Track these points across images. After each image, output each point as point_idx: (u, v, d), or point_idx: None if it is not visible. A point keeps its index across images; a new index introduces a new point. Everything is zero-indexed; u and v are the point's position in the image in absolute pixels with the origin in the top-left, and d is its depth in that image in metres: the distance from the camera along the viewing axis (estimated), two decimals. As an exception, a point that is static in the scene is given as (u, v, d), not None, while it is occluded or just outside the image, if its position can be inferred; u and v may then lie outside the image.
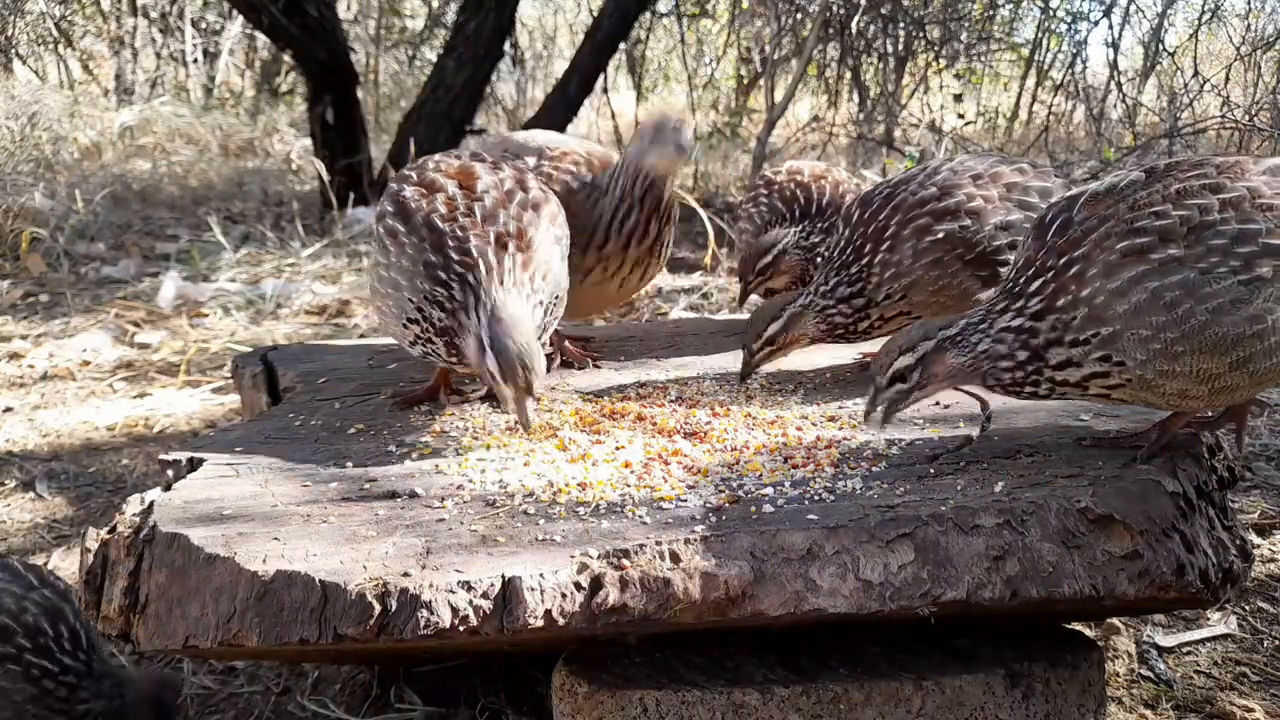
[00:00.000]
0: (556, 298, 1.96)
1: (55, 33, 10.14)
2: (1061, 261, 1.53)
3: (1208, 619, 2.36)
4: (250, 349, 2.88)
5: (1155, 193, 1.51)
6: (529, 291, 1.84)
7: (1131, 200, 1.52)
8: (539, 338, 1.84)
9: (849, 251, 2.11)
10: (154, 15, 10.44)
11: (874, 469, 1.65)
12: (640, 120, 2.26)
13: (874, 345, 2.37)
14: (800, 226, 2.56)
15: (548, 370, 2.10)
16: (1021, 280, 1.59)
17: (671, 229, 2.33)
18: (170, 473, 1.76)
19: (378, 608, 1.31)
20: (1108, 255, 1.49)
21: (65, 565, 2.73)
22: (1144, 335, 1.46)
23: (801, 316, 2.10)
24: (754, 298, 2.62)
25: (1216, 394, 1.51)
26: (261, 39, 9.93)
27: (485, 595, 1.32)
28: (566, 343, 2.39)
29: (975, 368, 1.60)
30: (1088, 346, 1.51)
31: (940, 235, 2.05)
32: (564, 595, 1.34)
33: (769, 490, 1.57)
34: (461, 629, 1.31)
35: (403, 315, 1.87)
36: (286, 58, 9.52)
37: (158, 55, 10.40)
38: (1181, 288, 1.45)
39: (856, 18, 7.56)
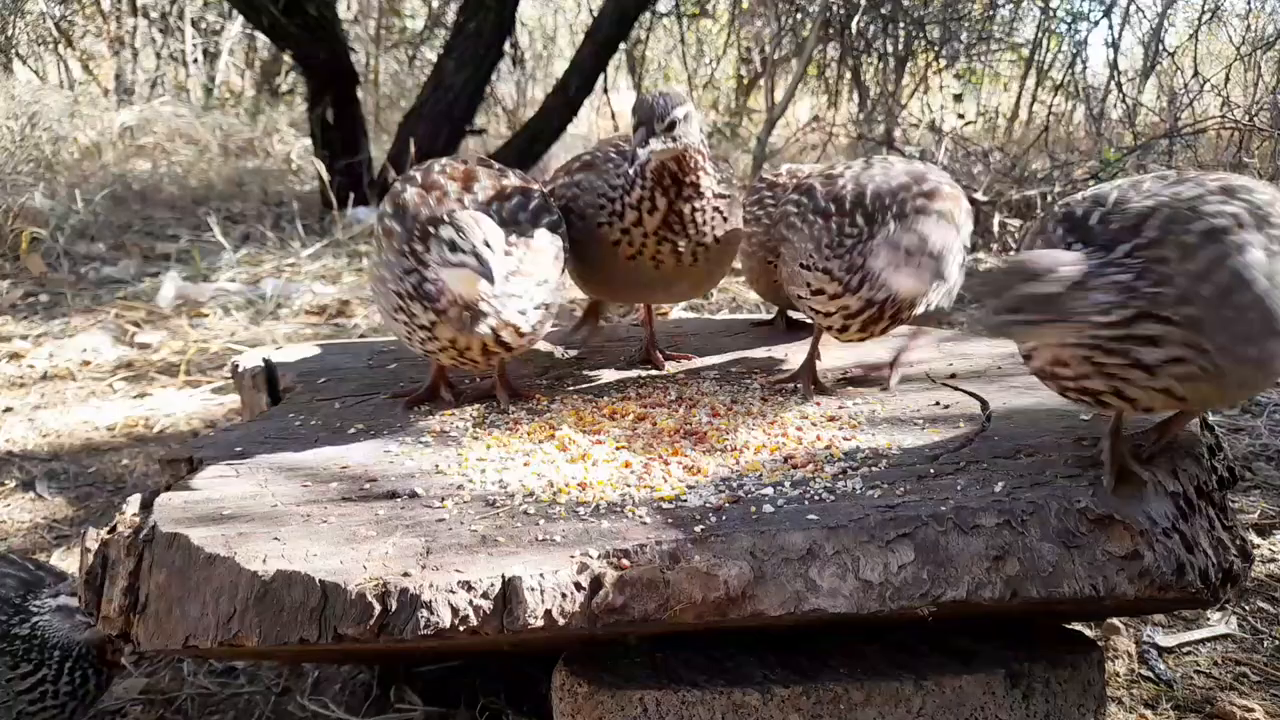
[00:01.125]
0: (548, 305, 1.95)
1: (55, 33, 10.14)
2: (1136, 243, 1.42)
3: (1208, 619, 2.36)
4: (250, 349, 2.88)
5: (1193, 184, 1.48)
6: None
7: (1170, 193, 1.48)
8: (531, 336, 1.91)
9: (874, 216, 1.95)
10: (154, 15, 10.44)
11: (874, 469, 1.65)
12: (633, 107, 2.09)
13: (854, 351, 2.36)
14: None
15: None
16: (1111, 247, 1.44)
17: (704, 205, 2.13)
18: (170, 473, 1.76)
19: (378, 608, 1.31)
20: (1184, 236, 1.41)
21: (65, 565, 2.73)
22: (1228, 316, 1.38)
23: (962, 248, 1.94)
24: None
25: (1267, 382, 1.48)
26: (261, 39, 9.93)
27: (485, 595, 1.32)
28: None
29: (1083, 320, 1.41)
30: (1173, 326, 1.39)
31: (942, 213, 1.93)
32: (564, 595, 1.34)
33: (769, 490, 1.57)
34: (461, 629, 1.32)
35: (390, 307, 1.89)
36: (286, 58, 9.53)
37: (158, 55, 10.40)
38: (1257, 267, 1.38)
39: (856, 18, 7.57)
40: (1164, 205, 1.46)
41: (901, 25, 8.15)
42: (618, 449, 1.77)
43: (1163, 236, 1.42)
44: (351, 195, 6.56)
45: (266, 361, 2.43)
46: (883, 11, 7.84)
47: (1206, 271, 1.39)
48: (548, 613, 1.33)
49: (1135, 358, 1.42)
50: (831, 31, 7.76)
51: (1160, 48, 7.48)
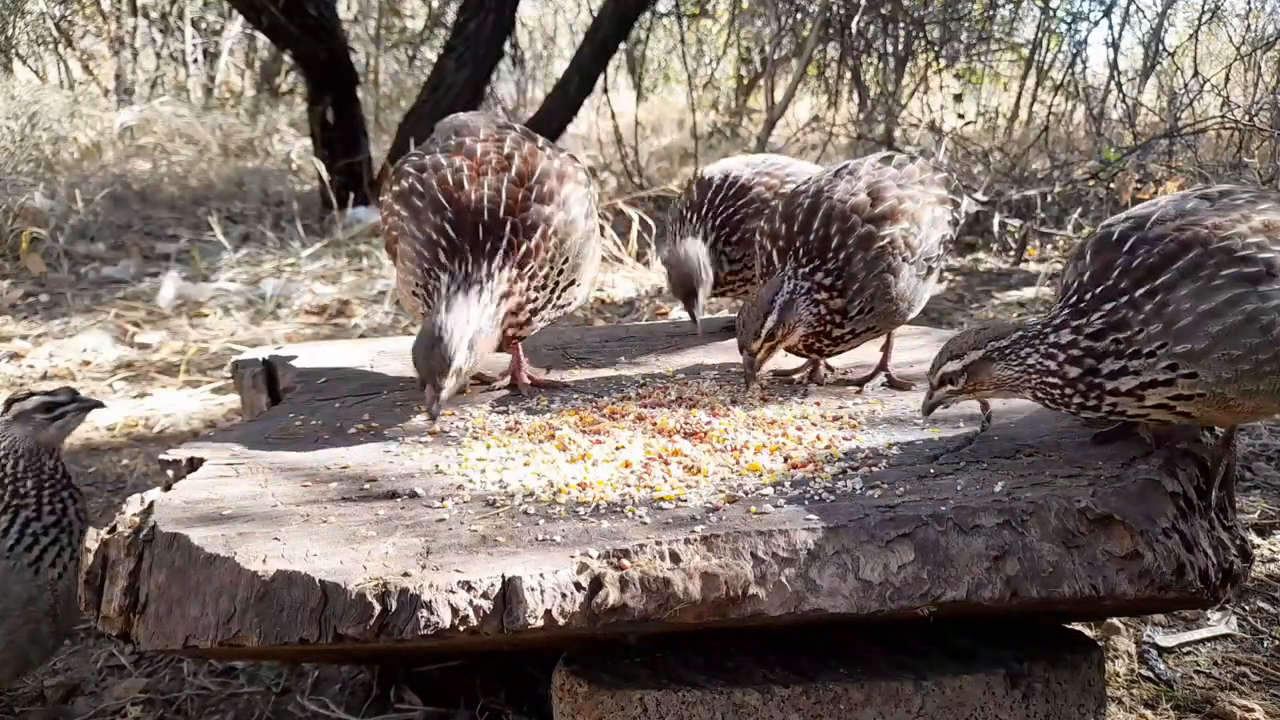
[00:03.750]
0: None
1: (55, 33, 10.14)
2: (1141, 291, 1.53)
3: (1208, 619, 2.36)
4: (250, 349, 2.88)
5: (1238, 221, 1.54)
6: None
7: (1211, 223, 1.54)
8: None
9: (793, 252, 2.04)
10: (154, 15, 10.44)
11: (874, 469, 1.65)
12: None
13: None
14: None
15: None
16: (1088, 296, 1.58)
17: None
18: (170, 473, 1.76)
19: (378, 608, 1.31)
20: (1204, 284, 1.50)
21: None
22: (1235, 355, 1.48)
23: (792, 303, 1.99)
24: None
25: None
26: (261, 39, 9.93)
27: (485, 595, 1.32)
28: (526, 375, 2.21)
29: (1022, 380, 1.62)
30: (1152, 359, 1.51)
31: (885, 241, 2.02)
32: (564, 595, 1.34)
33: (769, 490, 1.57)
34: (461, 629, 1.31)
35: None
36: (286, 58, 9.52)
37: (158, 55, 10.40)
38: (1277, 311, 1.48)
39: (856, 18, 7.56)
40: (1190, 244, 1.53)
41: (901, 25, 8.15)
42: (618, 449, 1.77)
43: (1176, 280, 1.51)
44: (351, 195, 6.55)
45: (266, 361, 2.43)
46: (883, 11, 7.84)
47: (1220, 311, 1.48)
48: (548, 613, 1.33)
49: (1110, 388, 1.55)
50: (831, 31, 7.76)
51: (1160, 48, 7.48)
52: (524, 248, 1.95)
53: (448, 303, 1.87)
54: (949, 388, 1.67)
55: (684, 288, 2.36)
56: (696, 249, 2.38)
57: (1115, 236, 1.61)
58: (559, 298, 2.05)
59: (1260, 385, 1.49)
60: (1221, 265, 1.50)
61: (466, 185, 1.98)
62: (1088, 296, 1.58)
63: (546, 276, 2.00)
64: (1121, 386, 1.54)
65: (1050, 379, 1.59)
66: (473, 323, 1.85)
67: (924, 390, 2.08)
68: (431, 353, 1.81)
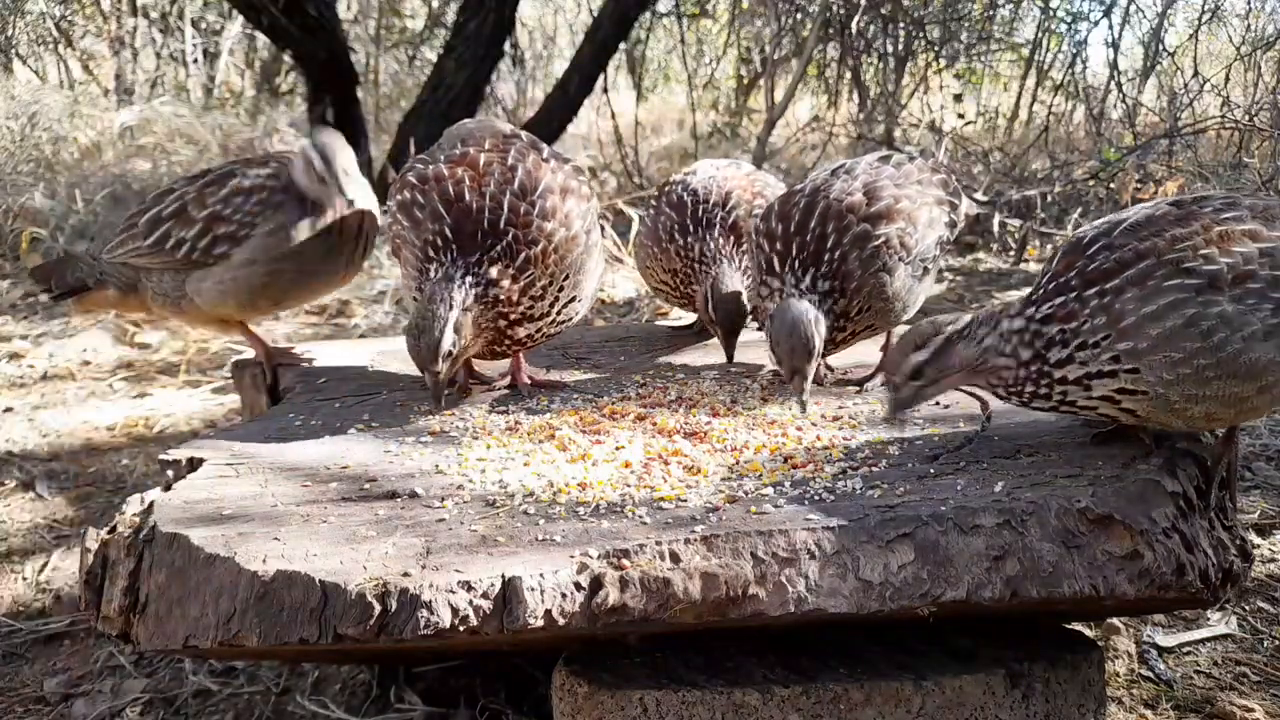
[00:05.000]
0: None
1: (55, 33, 10.13)
2: (1091, 291, 1.57)
3: (1208, 619, 2.36)
4: (250, 349, 2.88)
5: (1196, 233, 1.55)
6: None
7: (1170, 235, 1.56)
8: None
9: (790, 261, 2.03)
10: (154, 15, 10.43)
11: (874, 469, 1.65)
12: None
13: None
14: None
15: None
16: (1041, 292, 1.64)
17: None
18: (170, 473, 1.76)
19: (378, 608, 1.31)
20: (1149, 291, 1.53)
21: (65, 565, 2.73)
22: (1175, 358, 1.50)
23: (818, 318, 1.94)
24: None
25: (1241, 415, 1.59)
26: (261, 39, 9.92)
27: (485, 595, 1.32)
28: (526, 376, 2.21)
29: (982, 362, 1.65)
30: (1097, 350, 1.55)
31: (880, 240, 2.02)
32: (564, 595, 1.34)
33: (769, 490, 1.57)
34: (461, 629, 1.31)
35: None
36: (286, 58, 9.52)
37: (158, 55, 10.38)
38: (1219, 318, 1.50)
39: (856, 18, 7.57)
40: (1146, 254, 1.56)
41: (901, 25, 8.16)
42: (618, 449, 1.77)
43: (1123, 286, 1.55)
44: (351, 196, 6.54)
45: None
46: (883, 11, 7.84)
47: (1162, 314, 1.51)
48: (548, 613, 1.33)
49: (1058, 376, 1.59)
50: (831, 31, 7.76)
51: (1160, 48, 7.49)
52: (523, 255, 1.95)
53: (431, 291, 1.89)
54: (915, 382, 1.68)
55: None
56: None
57: (1085, 241, 1.65)
58: (559, 314, 2.04)
59: (1206, 391, 1.51)
60: (1168, 275, 1.53)
61: (467, 196, 1.98)
62: (1041, 292, 1.64)
63: (545, 289, 1.98)
64: (1069, 375, 1.58)
65: (1005, 360, 1.63)
66: (456, 306, 1.87)
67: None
68: (419, 342, 1.86)
